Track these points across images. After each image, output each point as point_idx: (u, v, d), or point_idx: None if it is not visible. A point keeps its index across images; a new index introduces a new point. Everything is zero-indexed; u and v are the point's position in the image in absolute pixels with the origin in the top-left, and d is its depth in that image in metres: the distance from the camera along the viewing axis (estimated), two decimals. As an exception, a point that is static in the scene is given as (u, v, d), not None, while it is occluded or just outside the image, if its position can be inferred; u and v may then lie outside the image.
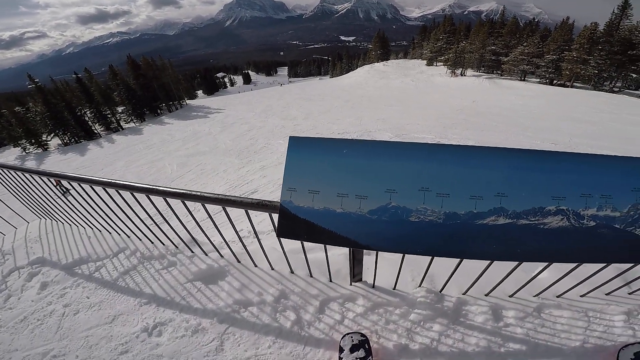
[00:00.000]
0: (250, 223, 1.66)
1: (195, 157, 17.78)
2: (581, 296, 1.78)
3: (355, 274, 1.92)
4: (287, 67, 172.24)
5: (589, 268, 1.38)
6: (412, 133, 16.64)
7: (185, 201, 1.61)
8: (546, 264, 1.80)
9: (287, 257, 1.92)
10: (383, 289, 1.92)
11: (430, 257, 1.46)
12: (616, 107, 22.74)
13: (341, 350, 1.51)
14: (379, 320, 1.73)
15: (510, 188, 1.08)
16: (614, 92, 30.42)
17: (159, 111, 39.91)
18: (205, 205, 1.57)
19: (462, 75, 40.19)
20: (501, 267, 1.46)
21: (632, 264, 1.32)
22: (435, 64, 49.23)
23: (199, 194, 1.50)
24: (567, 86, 32.43)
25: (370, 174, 1.17)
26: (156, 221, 2.23)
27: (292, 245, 1.87)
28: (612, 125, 17.72)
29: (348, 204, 1.17)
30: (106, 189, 1.82)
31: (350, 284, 1.97)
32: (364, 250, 1.86)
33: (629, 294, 1.79)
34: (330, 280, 1.99)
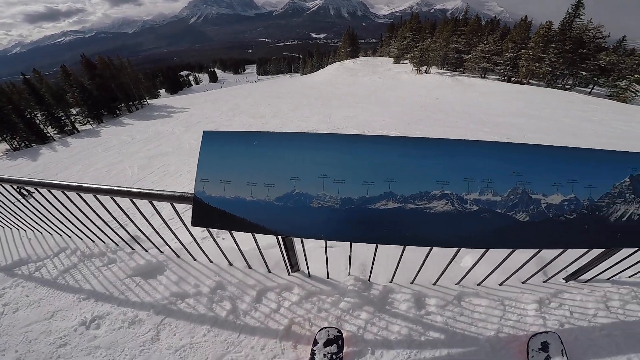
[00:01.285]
0: (178, 216, 1.69)
1: (158, 158, 17.16)
2: (499, 284, 1.89)
3: (293, 264, 1.99)
4: (255, 65, 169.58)
5: (508, 256, 1.50)
6: (377, 130, 17.03)
7: (115, 197, 1.65)
8: (471, 251, 1.95)
9: (222, 250, 2.02)
10: (318, 278, 2.01)
11: (369, 245, 1.50)
12: (567, 103, 24.39)
13: (315, 342, 1.57)
14: (312, 309, 1.82)
15: (399, 173, 1.14)
16: (565, 89, 32.46)
17: (118, 112, 37.92)
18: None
19: (426, 73, 41.42)
20: (431, 255, 1.54)
21: (541, 251, 1.43)
22: (402, 62, 50.37)
23: (125, 189, 1.54)
24: (524, 83, 34.23)
25: (278, 163, 1.24)
26: (96, 221, 2.27)
27: (244, 239, 1.88)
28: (563, 121, 18.98)
29: (257, 192, 1.23)
30: (38, 189, 1.84)
31: (289, 274, 2.05)
32: (302, 240, 1.91)
33: (544, 282, 1.93)
34: (269, 271, 2.07)
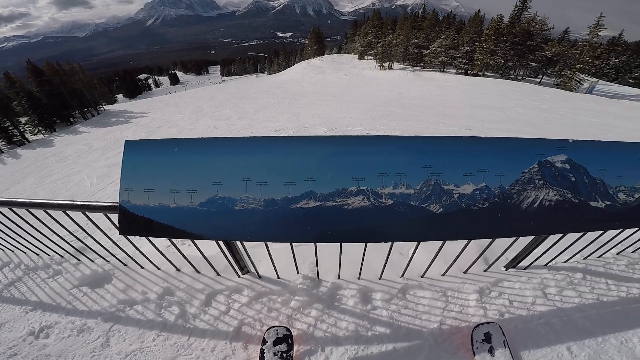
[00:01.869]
0: (115, 226, 1.62)
1: (119, 167, 16.19)
2: (442, 275, 1.95)
3: (242, 266, 2.01)
4: (219, 66, 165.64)
5: (441, 247, 1.51)
6: (344, 126, 17.14)
7: (48, 210, 1.65)
8: (415, 244, 1.97)
9: (166, 256, 2.06)
10: (269, 278, 2.05)
11: (314, 244, 1.56)
12: (520, 93, 25.78)
13: (264, 342, 1.60)
14: (262, 309, 1.85)
15: (318, 172, 1.17)
16: (517, 80, 34.31)
17: (72, 120, 35.69)
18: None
19: (389, 69, 42.27)
20: (378, 249, 1.56)
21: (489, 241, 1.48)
22: (366, 58, 51.06)
23: (57, 202, 1.57)
24: (480, 75, 35.79)
25: (199, 169, 1.24)
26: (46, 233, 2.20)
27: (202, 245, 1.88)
28: (516, 110, 20.03)
29: (180, 199, 1.23)
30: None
31: (239, 277, 2.07)
32: (243, 243, 1.92)
33: (484, 270, 2.00)
34: (218, 275, 2.11)
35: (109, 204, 1.42)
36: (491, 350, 1.49)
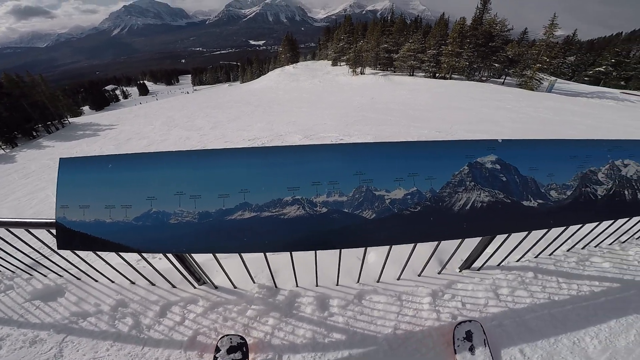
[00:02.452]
0: (43, 243, 1.74)
1: (84, 182, 15.51)
2: (397, 279, 1.96)
3: (198, 278, 2.01)
4: (190, 75, 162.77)
5: (388, 252, 1.49)
6: (319, 133, 17.16)
7: None
8: (375, 249, 1.96)
9: (118, 270, 2.07)
10: (225, 289, 2.06)
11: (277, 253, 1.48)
12: (485, 94, 26.85)
13: (217, 350, 1.61)
14: (217, 319, 1.86)
15: (253, 184, 1.18)
16: (482, 81, 35.71)
17: (35, 133, 33.93)
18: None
19: (361, 74, 42.98)
20: (334, 257, 1.57)
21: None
22: (339, 64, 51.71)
23: None
24: (447, 78, 37.02)
25: (133, 184, 1.24)
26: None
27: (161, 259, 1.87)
28: (482, 111, 20.81)
29: (116, 214, 1.24)
30: None
31: (195, 288, 2.08)
32: (191, 255, 1.87)
33: (438, 273, 2.02)
34: (174, 287, 2.12)
35: (50, 220, 1.42)
36: (472, 349, 1.51)
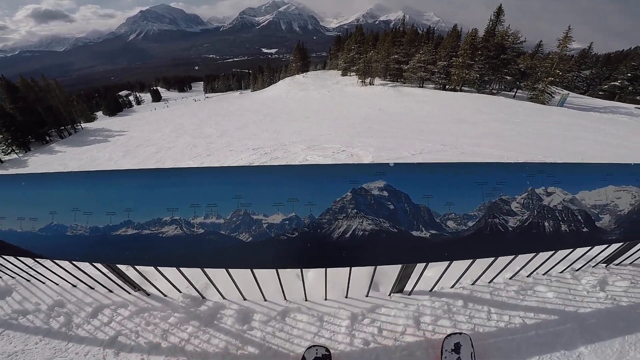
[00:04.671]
0: None
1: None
2: (325, 299, 1.97)
3: (134, 285, 2.18)
4: (202, 82, 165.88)
5: (342, 270, 1.46)
6: (323, 144, 17.19)
7: None
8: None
9: (60, 275, 2.20)
10: (157, 296, 2.18)
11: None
12: (494, 108, 26.57)
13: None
14: (141, 322, 2.00)
15: (137, 203, 1.27)
16: (493, 94, 35.32)
17: (48, 138, 34.93)
18: None
19: (370, 85, 43.09)
20: (271, 273, 1.57)
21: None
22: (349, 74, 52.00)
23: None
24: (457, 90, 36.69)
25: (40, 200, 1.41)
26: None
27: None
28: (490, 125, 20.57)
29: (25, 225, 1.39)
30: None
31: (129, 294, 2.21)
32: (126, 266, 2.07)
33: (366, 296, 1.99)
34: (110, 291, 2.27)
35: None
36: None
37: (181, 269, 1.49)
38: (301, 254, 1.09)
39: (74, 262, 1.80)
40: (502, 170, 1.30)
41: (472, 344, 1.59)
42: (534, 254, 1.62)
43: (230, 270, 1.50)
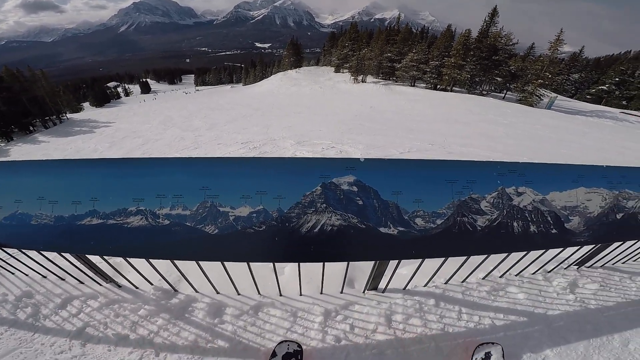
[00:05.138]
0: None
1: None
2: (300, 295, 1.96)
3: (105, 276, 2.16)
4: (193, 75, 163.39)
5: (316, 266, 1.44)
6: (313, 139, 17.14)
7: None
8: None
9: (29, 266, 2.16)
10: (128, 288, 2.16)
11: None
12: (483, 108, 26.88)
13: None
14: (110, 314, 1.97)
15: (102, 193, 1.24)
16: (483, 95, 35.67)
17: (32, 128, 34.07)
18: None
19: (363, 82, 43.07)
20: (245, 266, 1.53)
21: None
22: (342, 71, 51.86)
23: None
24: (448, 90, 36.96)
25: (3, 189, 1.38)
26: None
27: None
28: (479, 125, 20.80)
29: None
30: None
31: (100, 285, 2.18)
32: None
33: (341, 292, 2.00)
34: (81, 282, 2.23)
35: None
36: None
37: (153, 261, 1.46)
38: (269, 247, 1.08)
39: (42, 253, 1.77)
40: (473, 168, 1.29)
41: (503, 354, 1.59)
42: (506, 254, 1.61)
43: (202, 263, 1.48)
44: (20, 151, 26.30)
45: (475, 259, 1.62)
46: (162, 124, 25.35)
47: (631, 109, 36.51)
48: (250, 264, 1.47)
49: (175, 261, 1.42)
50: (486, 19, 35.56)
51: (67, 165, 1.33)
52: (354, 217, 1.12)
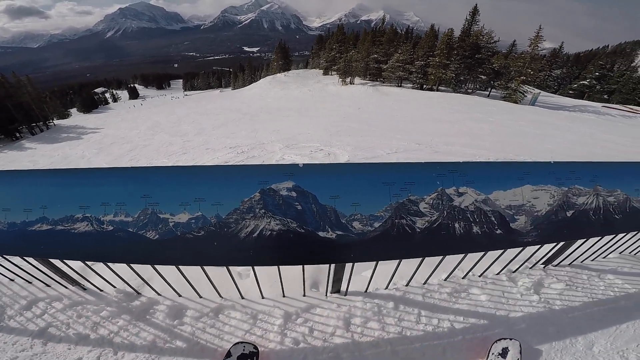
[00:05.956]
0: None
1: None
2: (262, 298, 1.98)
3: (72, 280, 2.20)
4: (182, 80, 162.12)
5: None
6: (301, 142, 17.19)
7: None
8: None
9: None
10: (93, 291, 2.20)
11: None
12: (469, 107, 27.23)
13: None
14: (73, 315, 2.01)
15: (51, 201, 1.31)
16: (468, 93, 36.15)
17: (18, 135, 33.55)
18: None
19: (351, 84, 43.26)
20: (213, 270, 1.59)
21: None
22: (330, 74, 52.04)
23: None
24: (434, 90, 37.35)
25: None
26: None
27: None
28: (465, 124, 21.08)
29: None
30: None
31: (66, 288, 2.23)
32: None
33: (303, 295, 2.02)
34: (47, 285, 2.27)
35: None
36: None
37: (118, 265, 1.50)
38: (207, 252, 1.12)
39: (7, 258, 1.83)
40: (412, 170, 1.30)
41: (520, 350, 1.59)
42: (463, 255, 1.60)
43: (166, 268, 1.50)
44: (6, 158, 25.83)
45: (435, 260, 1.64)
46: (150, 130, 25.15)
47: (612, 103, 37.39)
48: (213, 268, 1.50)
49: (134, 265, 1.44)
50: (467, 17, 36.14)
51: (19, 175, 1.38)
52: (292, 221, 1.16)
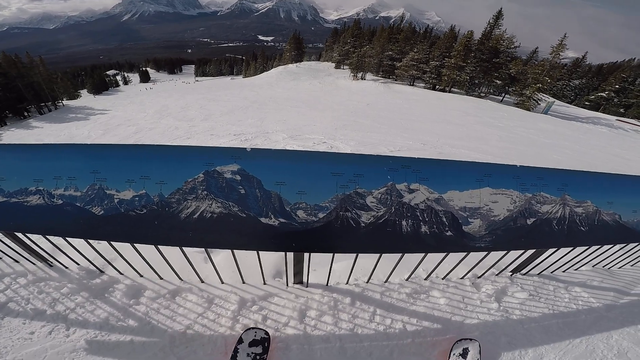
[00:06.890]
0: None
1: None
2: (222, 283, 1.99)
3: (40, 257, 2.25)
4: (194, 66, 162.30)
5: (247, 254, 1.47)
6: (305, 134, 17.15)
7: None
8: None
9: None
10: (58, 268, 2.25)
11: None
12: (480, 110, 26.85)
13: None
14: (34, 291, 2.03)
15: (8, 173, 1.33)
16: (481, 97, 35.62)
17: (26, 114, 34.16)
18: None
19: (362, 79, 42.90)
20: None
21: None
22: (342, 67, 51.66)
23: None
24: (446, 91, 36.87)
25: None
26: None
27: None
28: (474, 127, 20.82)
29: None
30: None
31: (34, 265, 2.26)
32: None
33: (264, 284, 2.02)
34: (16, 261, 2.29)
35: None
36: None
37: (82, 242, 1.52)
38: (148, 230, 1.14)
39: None
40: (362, 161, 1.25)
41: (480, 350, 1.59)
42: (423, 255, 1.55)
43: (125, 246, 1.52)
44: (13, 136, 26.20)
45: (397, 257, 1.61)
46: (158, 113, 25.23)
47: (628, 117, 36.56)
48: (175, 250, 1.51)
49: (95, 242, 1.46)
50: (490, 21, 35.48)
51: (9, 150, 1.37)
52: (234, 205, 1.16)
